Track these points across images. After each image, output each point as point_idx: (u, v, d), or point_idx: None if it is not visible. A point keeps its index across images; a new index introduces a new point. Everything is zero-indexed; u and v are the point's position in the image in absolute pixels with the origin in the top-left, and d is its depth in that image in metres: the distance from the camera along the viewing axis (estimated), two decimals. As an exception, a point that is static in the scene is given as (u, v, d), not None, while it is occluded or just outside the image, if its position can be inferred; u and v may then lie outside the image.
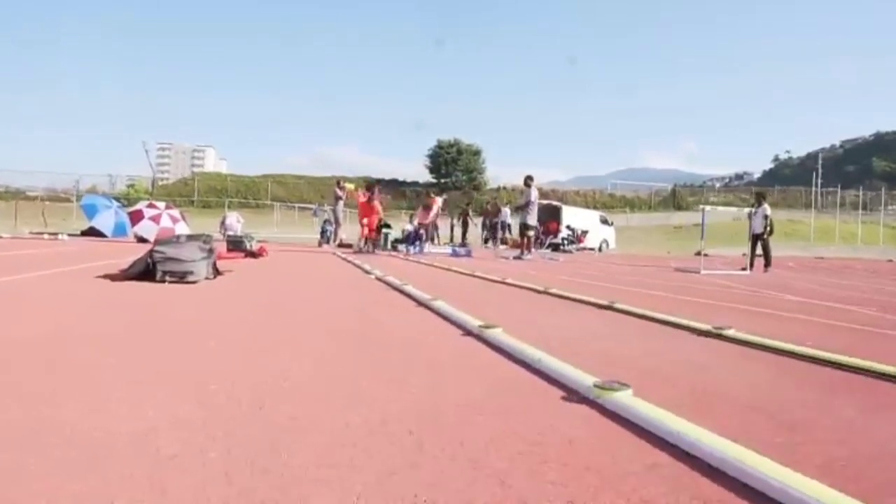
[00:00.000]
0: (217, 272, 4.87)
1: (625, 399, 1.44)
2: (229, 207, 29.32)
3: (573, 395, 1.65)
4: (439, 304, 3.31)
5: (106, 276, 4.50)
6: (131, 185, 47.45)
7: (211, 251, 4.70)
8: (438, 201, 15.88)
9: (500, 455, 1.23)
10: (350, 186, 15.94)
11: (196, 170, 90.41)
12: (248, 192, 44.82)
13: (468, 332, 2.64)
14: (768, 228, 11.83)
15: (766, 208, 11.98)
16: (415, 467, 1.18)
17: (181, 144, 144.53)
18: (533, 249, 17.00)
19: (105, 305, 3.25)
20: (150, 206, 13.11)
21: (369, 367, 2.01)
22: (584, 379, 1.68)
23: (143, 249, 5.61)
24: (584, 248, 22.47)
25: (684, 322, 3.04)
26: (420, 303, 3.69)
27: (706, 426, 1.30)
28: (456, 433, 1.37)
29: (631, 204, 51.87)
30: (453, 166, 48.12)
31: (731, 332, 2.69)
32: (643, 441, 1.30)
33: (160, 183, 50.73)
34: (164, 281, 4.15)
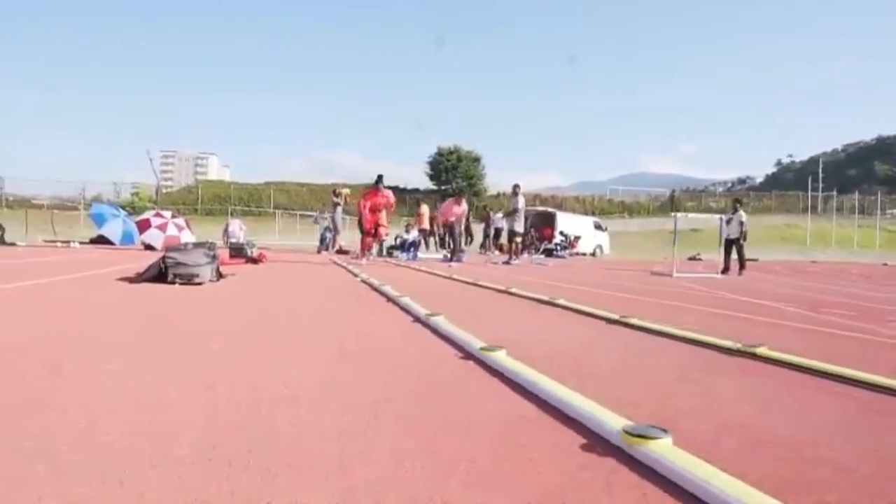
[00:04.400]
0: (220, 275, 5.55)
1: (500, 358, 2.09)
2: (232, 215, 29.97)
3: (466, 354, 2.34)
4: (405, 301, 3.96)
5: (125, 279, 5.19)
6: (136, 193, 48.19)
7: (214, 257, 5.40)
8: (424, 209, 16.72)
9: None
10: (346, 191, 16.66)
11: (199, 177, 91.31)
12: (251, 200, 45.61)
13: (417, 320, 3.31)
14: (743, 234, 12.47)
15: (742, 215, 12.60)
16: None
17: (184, 152, 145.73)
18: (525, 254, 17.72)
19: (123, 306, 3.91)
20: (157, 215, 13.81)
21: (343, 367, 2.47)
22: (476, 343, 2.36)
23: (151, 256, 6.33)
24: (577, 254, 23.08)
25: (600, 313, 3.70)
26: (389, 298, 4.35)
27: (560, 379, 1.93)
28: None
29: (629, 209, 52.44)
30: (453, 173, 48.80)
31: (633, 321, 3.33)
32: (517, 395, 1.90)
33: (164, 191, 51.50)
34: (174, 282, 4.82)
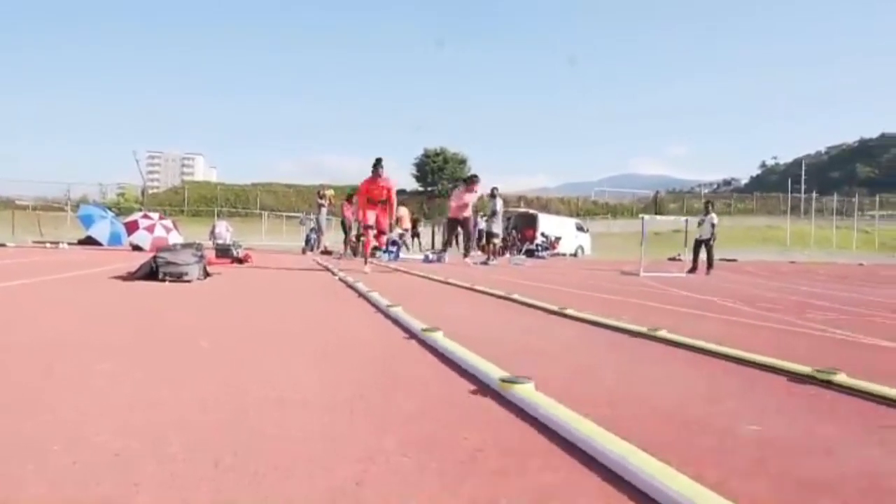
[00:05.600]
0: (207, 274, 5.98)
1: (438, 337, 2.55)
2: (219, 216, 30.28)
3: (410, 334, 2.82)
4: (374, 296, 4.42)
5: (118, 277, 5.61)
6: (121, 194, 48.33)
7: (202, 257, 5.84)
8: (403, 211, 17.26)
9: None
10: (331, 193, 17.10)
11: (186, 178, 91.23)
12: (238, 201, 45.88)
13: (379, 310, 3.78)
14: (714, 235, 13.02)
15: (713, 216, 13.15)
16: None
17: (171, 153, 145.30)
18: (507, 255, 18.23)
19: (117, 304, 4.33)
20: (145, 216, 14.19)
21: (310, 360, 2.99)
22: (417, 325, 2.84)
23: (140, 256, 6.77)
24: (558, 254, 23.64)
25: (544, 305, 4.18)
26: (360, 294, 4.81)
27: (487, 356, 2.39)
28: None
29: (614, 211, 53.19)
30: (439, 175, 49.29)
31: (569, 311, 3.81)
32: (445, 366, 2.38)
33: (150, 192, 51.55)
34: (164, 280, 5.26)
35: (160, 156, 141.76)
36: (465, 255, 11.92)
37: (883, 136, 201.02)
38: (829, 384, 2.03)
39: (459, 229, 11.69)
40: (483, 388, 1.85)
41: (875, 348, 3.07)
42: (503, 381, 1.75)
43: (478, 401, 1.74)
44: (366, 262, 8.81)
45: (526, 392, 1.65)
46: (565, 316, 3.79)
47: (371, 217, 8.78)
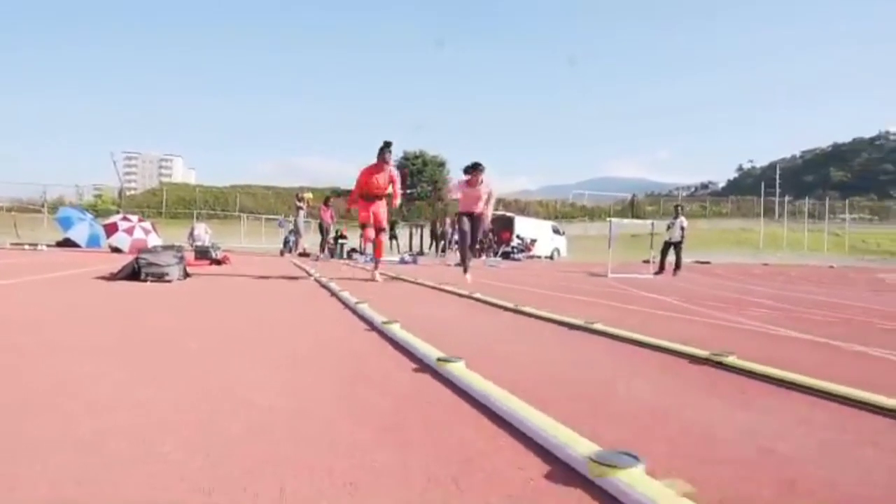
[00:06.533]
0: (187, 274, 6.26)
1: (395, 329, 2.89)
2: (197, 219, 30.33)
3: (370, 325, 3.17)
4: (345, 295, 4.74)
5: (101, 278, 5.87)
6: (98, 196, 47.99)
7: (182, 258, 6.14)
8: None
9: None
10: (309, 196, 17.39)
11: (164, 179, 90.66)
12: (217, 203, 45.84)
13: (346, 306, 4.11)
14: (684, 238, 13.52)
15: (683, 220, 13.65)
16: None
17: (148, 154, 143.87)
18: (483, 257, 18.64)
19: (101, 302, 4.62)
20: (124, 219, 14.35)
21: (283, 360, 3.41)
22: (378, 318, 3.18)
23: (119, 258, 7.06)
24: (534, 256, 24.10)
25: (500, 302, 4.56)
26: (332, 292, 5.13)
27: (435, 343, 2.73)
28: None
29: (591, 213, 53.90)
30: (418, 177, 49.57)
31: (525, 309, 4.18)
32: (399, 353, 2.71)
33: (128, 193, 51.24)
34: (146, 280, 5.54)
35: (138, 157, 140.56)
36: (465, 268, 8.24)
37: (855, 140, 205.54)
38: (720, 364, 2.40)
39: (467, 227, 8.09)
40: (423, 366, 2.21)
41: (785, 339, 3.46)
42: (439, 360, 2.10)
43: (419, 376, 2.09)
44: (375, 267, 7.63)
45: (457, 369, 2.00)
46: (518, 312, 4.15)
47: (368, 217, 7.38)
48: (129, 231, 13.60)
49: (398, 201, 7.59)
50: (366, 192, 7.34)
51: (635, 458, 1.16)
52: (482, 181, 7.88)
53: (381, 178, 7.32)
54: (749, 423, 1.68)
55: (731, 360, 2.40)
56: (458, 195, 8.17)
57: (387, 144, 7.25)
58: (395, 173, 7.46)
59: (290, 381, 1.99)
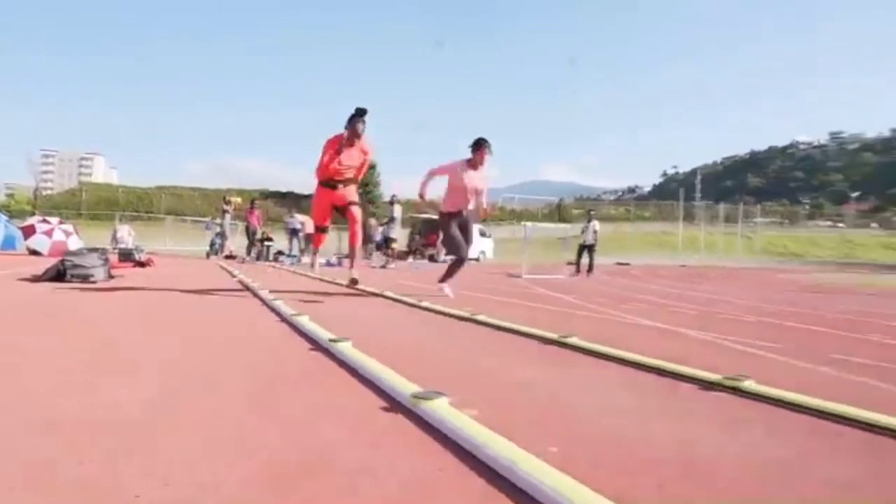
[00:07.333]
0: (111, 276, 6.52)
1: (304, 321, 3.36)
2: (121, 220, 29.59)
3: (280, 316, 3.64)
4: (255, 286, 5.16)
5: (24, 280, 6.07)
6: (11, 195, 45.97)
7: (107, 260, 6.42)
8: (305, 218, 17.71)
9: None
10: (238, 200, 17.51)
11: (84, 179, 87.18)
12: (141, 204, 44.67)
13: (260, 300, 4.56)
14: (596, 241, 14.41)
15: (595, 224, 14.53)
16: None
17: (67, 152, 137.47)
18: (410, 259, 19.19)
19: (29, 303, 4.89)
20: (43, 221, 14.15)
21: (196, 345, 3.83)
22: (288, 310, 3.65)
23: (40, 261, 7.17)
24: (460, 258, 24.72)
25: (405, 299, 5.10)
26: (249, 289, 5.54)
27: (344, 335, 3.21)
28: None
29: (520, 217, 55.26)
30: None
31: (424, 304, 4.72)
32: (305, 340, 3.19)
33: (44, 193, 49.25)
34: (71, 281, 5.79)
35: (55, 154, 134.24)
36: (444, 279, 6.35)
37: (770, 149, 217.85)
38: (564, 345, 2.99)
39: (455, 232, 6.07)
40: (316, 344, 2.72)
41: (632, 325, 4.15)
42: (331, 339, 2.62)
43: (313, 353, 2.60)
44: (351, 265, 6.37)
45: (344, 347, 2.51)
46: (417, 307, 4.70)
47: (327, 214, 6.02)
48: (49, 233, 13.44)
49: (364, 170, 6.02)
50: (327, 178, 5.70)
51: (443, 394, 1.70)
52: (486, 164, 6.03)
53: (351, 157, 5.69)
54: (546, 378, 2.28)
55: (573, 340, 2.99)
56: (442, 175, 6.08)
57: (360, 112, 5.64)
58: (369, 147, 5.86)
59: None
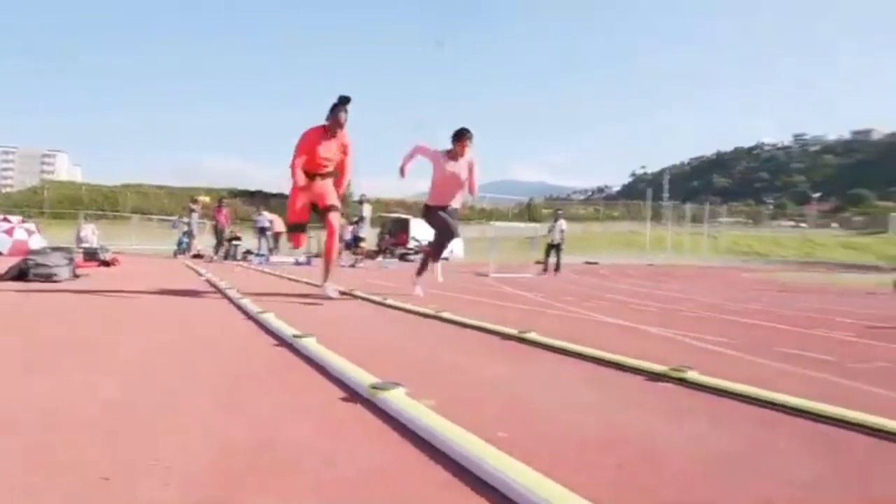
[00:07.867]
0: (76, 276, 6.46)
1: (270, 318, 3.40)
2: (85, 219, 29.02)
3: (247, 314, 3.66)
4: (222, 284, 5.18)
5: (-15, 279, 5.98)
6: (-31, 193, 44.73)
7: (72, 259, 6.36)
8: (274, 216, 17.62)
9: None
10: (206, 199, 17.37)
11: (46, 177, 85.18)
12: (106, 203, 43.75)
13: (227, 297, 4.58)
14: (563, 240, 14.60)
15: (563, 223, 14.73)
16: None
17: (28, 148, 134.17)
18: (379, 258, 19.21)
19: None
20: (4, 219, 13.85)
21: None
22: (254, 308, 3.69)
23: (0, 260, 7.01)
24: (430, 258, 24.82)
25: (371, 297, 5.17)
26: (217, 288, 5.54)
27: (297, 326, 3.26)
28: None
29: (490, 216, 55.53)
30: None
31: (388, 301, 4.79)
32: (270, 337, 3.23)
33: (3, 191, 48.04)
34: (34, 280, 5.73)
35: (15, 151, 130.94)
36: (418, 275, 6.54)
37: (736, 150, 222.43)
38: (522, 340, 3.09)
39: (442, 215, 6.00)
40: (281, 340, 2.79)
41: (595, 322, 4.27)
42: (294, 335, 2.68)
43: (277, 349, 2.66)
44: (325, 276, 5.67)
45: (308, 342, 2.57)
46: (384, 305, 4.77)
47: (305, 210, 5.47)
48: (10, 232, 13.17)
49: (345, 184, 5.63)
50: (309, 172, 5.30)
51: (399, 385, 1.78)
52: (467, 156, 5.86)
53: (330, 149, 5.35)
54: (504, 371, 2.38)
55: (532, 335, 3.10)
56: (424, 157, 5.96)
57: (343, 100, 5.28)
58: (349, 143, 5.45)
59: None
